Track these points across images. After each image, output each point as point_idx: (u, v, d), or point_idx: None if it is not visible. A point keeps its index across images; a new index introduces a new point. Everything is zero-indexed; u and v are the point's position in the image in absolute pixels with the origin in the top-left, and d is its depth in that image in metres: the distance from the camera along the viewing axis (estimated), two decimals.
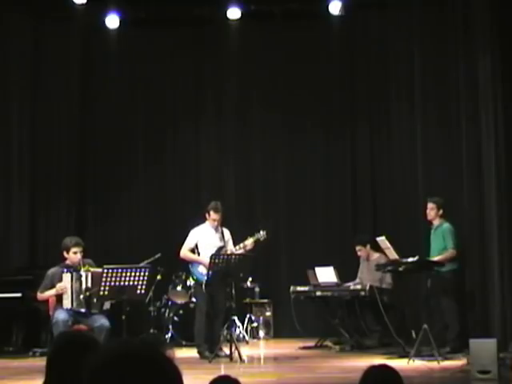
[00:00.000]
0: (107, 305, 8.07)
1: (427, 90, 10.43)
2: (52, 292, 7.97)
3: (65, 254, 8.11)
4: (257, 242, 8.95)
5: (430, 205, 9.52)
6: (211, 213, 8.99)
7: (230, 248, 8.96)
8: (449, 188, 9.95)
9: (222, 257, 8.59)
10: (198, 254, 8.95)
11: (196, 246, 9.00)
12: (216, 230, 8.98)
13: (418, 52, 10.50)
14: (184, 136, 12.36)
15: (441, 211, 9.48)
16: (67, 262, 8.11)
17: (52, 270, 8.13)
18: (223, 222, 9.16)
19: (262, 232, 8.98)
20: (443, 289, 9.17)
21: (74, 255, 8.03)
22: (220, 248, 8.89)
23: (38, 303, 8.77)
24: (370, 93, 11.82)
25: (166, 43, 12.10)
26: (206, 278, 8.69)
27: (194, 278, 9.03)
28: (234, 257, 8.63)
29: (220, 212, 8.99)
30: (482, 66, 9.25)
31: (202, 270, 8.79)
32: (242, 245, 8.90)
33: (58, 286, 7.91)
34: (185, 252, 8.99)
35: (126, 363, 1.52)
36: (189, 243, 8.99)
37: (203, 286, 8.73)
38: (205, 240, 8.96)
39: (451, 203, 9.66)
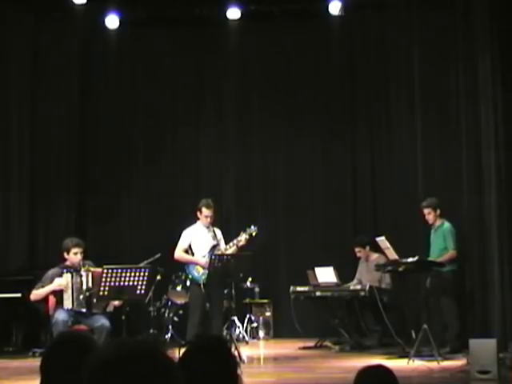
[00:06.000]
0: (110, 307, 8.04)
1: (427, 90, 10.42)
2: (49, 287, 7.90)
3: (65, 254, 8.09)
4: (250, 237, 8.87)
5: (426, 210, 9.50)
6: (203, 209, 8.80)
7: (222, 247, 8.88)
8: (449, 188, 9.94)
9: (221, 257, 8.55)
10: (192, 254, 8.85)
11: (189, 246, 8.91)
12: (208, 229, 8.90)
13: (417, 52, 10.50)
14: (184, 136, 12.35)
15: (438, 211, 9.48)
16: (67, 262, 8.09)
17: (52, 271, 8.09)
18: (216, 222, 9.06)
19: (253, 227, 8.90)
20: (443, 289, 9.17)
21: (74, 256, 8.02)
22: (214, 246, 8.80)
23: (37, 303, 8.74)
24: (369, 93, 11.82)
25: (165, 43, 12.10)
26: (202, 277, 8.64)
27: (190, 277, 8.95)
28: (233, 257, 8.59)
29: (212, 208, 8.82)
30: (481, 66, 9.24)
31: (198, 270, 8.73)
32: (235, 241, 8.78)
33: (57, 281, 7.87)
34: (179, 253, 8.86)
35: (126, 363, 1.51)
36: (182, 244, 8.87)
37: (201, 285, 8.65)
38: (198, 240, 8.85)
39: (451, 203, 9.66)
